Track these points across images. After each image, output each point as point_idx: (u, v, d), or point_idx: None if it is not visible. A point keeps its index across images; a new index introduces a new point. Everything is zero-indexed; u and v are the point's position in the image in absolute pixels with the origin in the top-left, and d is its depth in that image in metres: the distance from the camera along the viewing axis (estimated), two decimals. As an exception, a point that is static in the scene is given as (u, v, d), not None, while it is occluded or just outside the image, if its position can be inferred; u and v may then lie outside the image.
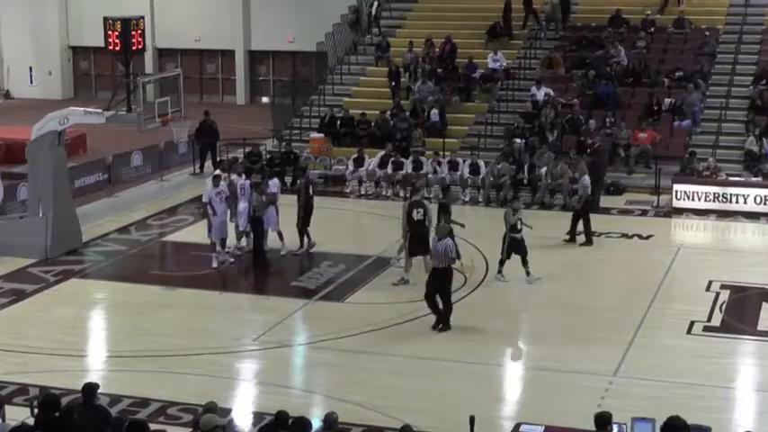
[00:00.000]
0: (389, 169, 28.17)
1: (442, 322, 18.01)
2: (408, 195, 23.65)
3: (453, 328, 18.17)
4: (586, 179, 23.82)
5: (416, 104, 31.52)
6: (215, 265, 21.51)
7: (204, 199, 21.80)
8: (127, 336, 18.04)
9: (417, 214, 20.38)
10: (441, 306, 18.02)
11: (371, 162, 28.47)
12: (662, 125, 29.65)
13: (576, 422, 13.02)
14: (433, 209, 21.54)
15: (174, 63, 43.82)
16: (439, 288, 18.01)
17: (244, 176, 22.84)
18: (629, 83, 31.42)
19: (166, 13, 43.71)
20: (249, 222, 21.86)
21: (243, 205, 22.02)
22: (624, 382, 15.88)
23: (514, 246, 20.56)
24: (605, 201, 26.13)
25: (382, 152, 28.61)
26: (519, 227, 20.61)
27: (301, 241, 22.42)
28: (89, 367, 16.79)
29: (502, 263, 20.63)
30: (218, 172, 23.34)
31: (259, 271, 21.58)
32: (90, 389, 12.12)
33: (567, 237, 23.21)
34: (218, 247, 21.62)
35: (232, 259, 21.86)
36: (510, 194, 26.77)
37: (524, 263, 20.55)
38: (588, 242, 23.01)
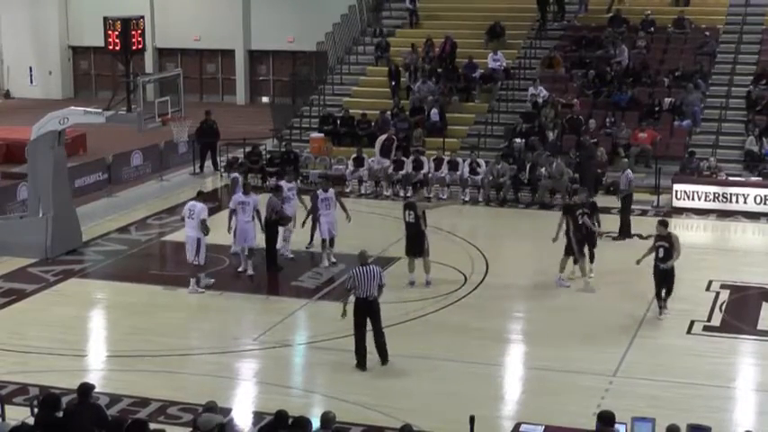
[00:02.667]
0: (390, 169, 28.20)
1: (361, 361, 16.38)
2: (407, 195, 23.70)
3: (454, 327, 18.19)
4: (630, 174, 24.05)
5: (416, 104, 31.55)
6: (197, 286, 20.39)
7: (231, 205, 21.43)
8: (126, 335, 18.03)
9: (409, 216, 20.36)
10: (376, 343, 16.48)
11: (374, 155, 28.54)
12: (662, 125, 29.66)
13: (576, 422, 13.04)
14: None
15: (174, 63, 43.84)
16: (364, 321, 16.29)
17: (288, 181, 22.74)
18: (630, 83, 31.44)
19: (166, 13, 43.75)
20: (263, 228, 21.37)
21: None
22: (624, 382, 15.88)
23: (660, 276, 18.57)
24: (605, 200, 26.08)
25: (384, 136, 28.60)
26: (661, 254, 18.50)
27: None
28: (89, 367, 16.79)
29: (659, 297, 18.67)
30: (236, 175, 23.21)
31: (260, 271, 21.55)
32: (87, 388, 12.14)
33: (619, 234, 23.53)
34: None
35: (211, 281, 20.60)
36: (510, 194, 26.89)
37: (667, 294, 18.65)
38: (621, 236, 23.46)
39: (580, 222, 20.28)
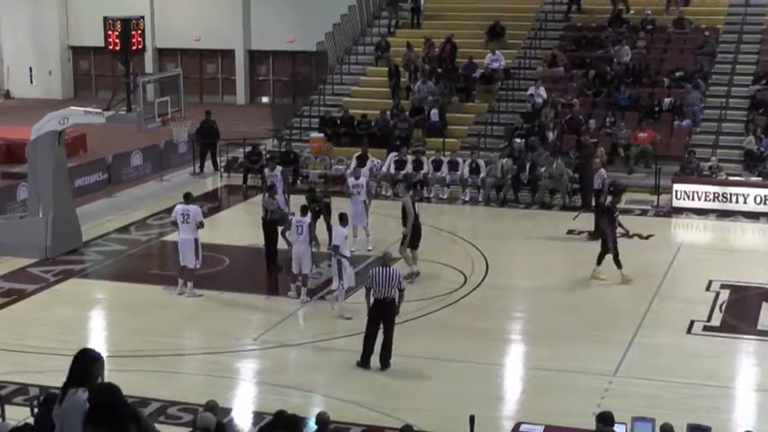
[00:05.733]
0: (392, 168, 28.18)
1: (368, 361, 16.41)
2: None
3: (454, 327, 18.18)
4: (603, 172, 24.14)
5: (416, 104, 31.54)
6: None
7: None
8: (127, 336, 18.03)
9: (418, 209, 20.71)
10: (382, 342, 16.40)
11: (379, 163, 28.42)
12: (662, 125, 29.66)
13: (576, 422, 13.04)
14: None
15: (174, 63, 43.83)
16: (378, 322, 16.29)
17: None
18: (630, 83, 31.44)
19: (166, 13, 43.75)
20: (262, 227, 21.32)
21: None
22: (624, 382, 15.88)
23: None
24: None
25: (394, 154, 28.48)
26: None
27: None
28: (89, 367, 16.77)
29: None
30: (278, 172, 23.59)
31: (260, 271, 21.55)
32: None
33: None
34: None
35: (200, 293, 20.02)
36: (510, 194, 26.88)
37: None
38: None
39: None
